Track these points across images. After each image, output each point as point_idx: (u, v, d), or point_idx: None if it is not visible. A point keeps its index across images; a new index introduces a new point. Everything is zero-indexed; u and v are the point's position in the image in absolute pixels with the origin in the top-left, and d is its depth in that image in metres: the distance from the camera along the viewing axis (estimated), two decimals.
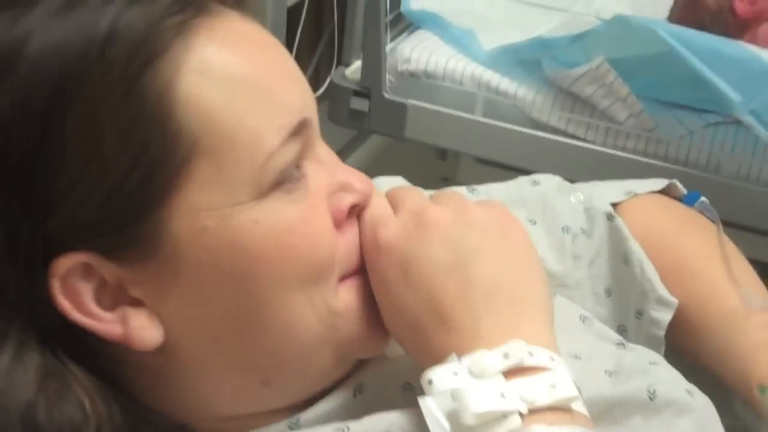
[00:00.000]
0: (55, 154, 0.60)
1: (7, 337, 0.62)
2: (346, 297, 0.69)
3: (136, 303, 0.64)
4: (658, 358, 0.81)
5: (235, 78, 0.64)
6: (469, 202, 0.70)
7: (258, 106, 0.64)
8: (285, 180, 0.65)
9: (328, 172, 0.69)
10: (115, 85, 0.60)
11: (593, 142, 1.49)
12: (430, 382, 0.62)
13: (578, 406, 0.63)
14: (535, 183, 1.01)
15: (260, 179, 0.64)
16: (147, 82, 0.60)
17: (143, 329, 0.64)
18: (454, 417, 0.60)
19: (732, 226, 0.99)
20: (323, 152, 0.70)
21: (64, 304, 0.62)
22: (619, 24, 1.42)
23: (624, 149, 1.48)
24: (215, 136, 0.62)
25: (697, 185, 1.02)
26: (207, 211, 0.63)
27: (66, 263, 0.62)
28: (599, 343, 0.82)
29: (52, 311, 0.62)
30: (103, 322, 0.63)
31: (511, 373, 0.61)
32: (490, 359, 0.62)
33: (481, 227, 0.68)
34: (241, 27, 0.66)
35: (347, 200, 0.69)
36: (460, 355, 0.63)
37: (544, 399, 0.60)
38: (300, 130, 0.66)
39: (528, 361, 0.62)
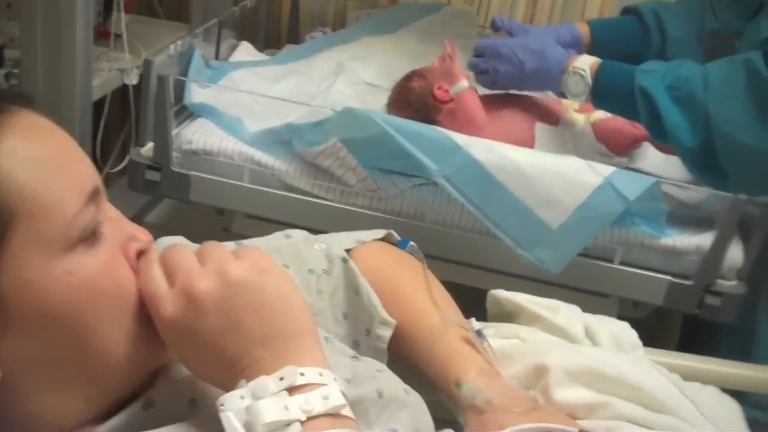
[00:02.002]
0: None
1: None
2: (142, 323, 0.65)
3: None
4: (383, 367, 0.81)
5: (38, 159, 0.60)
6: (229, 260, 0.64)
7: (59, 179, 0.61)
8: (87, 236, 0.61)
9: (117, 227, 0.66)
10: None
11: (332, 201, 1.48)
12: (222, 405, 0.59)
13: (347, 412, 0.60)
14: (288, 236, 0.98)
15: (68, 235, 0.60)
16: None
17: None
18: (248, 427, 0.57)
19: (434, 258, 1.01)
20: (112, 212, 0.67)
21: None
22: (347, 113, 1.42)
23: (354, 206, 1.47)
24: (28, 203, 0.58)
25: (408, 232, 1.03)
26: (29, 266, 0.58)
27: None
28: (339, 358, 0.80)
29: None
30: None
31: (293, 390, 0.59)
32: (269, 382, 0.59)
33: (244, 287, 0.63)
34: (36, 121, 0.63)
35: (135, 247, 0.66)
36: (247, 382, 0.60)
37: (319, 408, 0.58)
38: (94, 195, 0.63)
39: (300, 380, 0.59)
